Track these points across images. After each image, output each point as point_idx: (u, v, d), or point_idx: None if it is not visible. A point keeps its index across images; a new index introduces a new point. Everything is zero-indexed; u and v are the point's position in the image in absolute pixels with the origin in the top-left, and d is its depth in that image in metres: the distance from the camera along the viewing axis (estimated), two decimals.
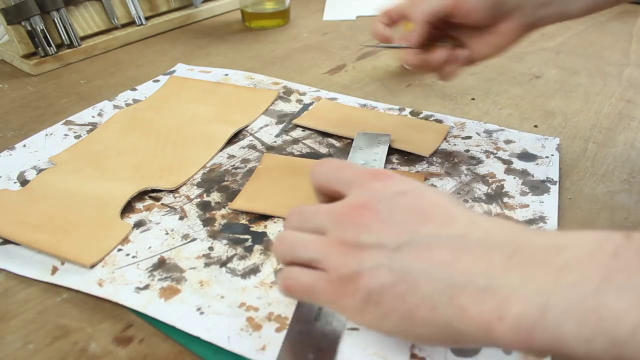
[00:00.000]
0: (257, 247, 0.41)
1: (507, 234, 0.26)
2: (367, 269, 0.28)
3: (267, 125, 0.58)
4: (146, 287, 0.37)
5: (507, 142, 0.53)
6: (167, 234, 0.43)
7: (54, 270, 0.39)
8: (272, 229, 0.43)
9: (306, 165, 0.50)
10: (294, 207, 0.34)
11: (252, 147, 0.54)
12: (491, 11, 0.43)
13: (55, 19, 0.73)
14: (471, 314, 0.24)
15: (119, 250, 0.41)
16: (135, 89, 0.66)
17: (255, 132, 0.56)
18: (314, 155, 0.52)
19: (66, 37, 0.74)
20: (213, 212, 0.45)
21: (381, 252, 0.28)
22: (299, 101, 0.62)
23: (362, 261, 0.28)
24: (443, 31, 0.48)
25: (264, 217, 0.44)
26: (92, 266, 0.39)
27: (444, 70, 0.48)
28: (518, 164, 0.50)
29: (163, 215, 0.45)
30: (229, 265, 0.39)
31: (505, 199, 0.45)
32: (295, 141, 0.55)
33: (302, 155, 0.52)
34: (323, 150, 0.53)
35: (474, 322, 0.24)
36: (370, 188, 0.31)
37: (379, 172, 0.32)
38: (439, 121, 0.57)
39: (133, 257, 0.40)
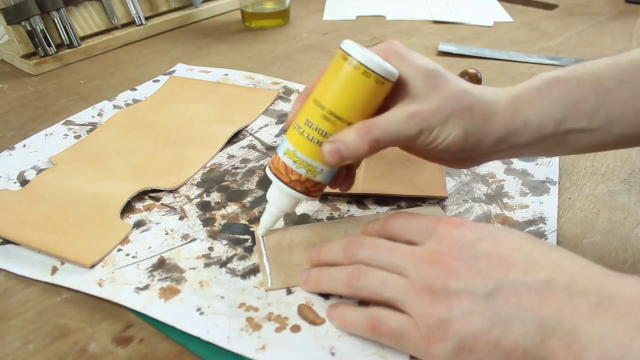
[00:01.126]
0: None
1: (594, 280, 0.27)
2: (458, 316, 0.28)
3: (267, 125, 0.58)
4: (146, 287, 0.37)
5: None
6: (167, 234, 0.43)
7: (54, 270, 0.39)
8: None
9: None
10: (354, 236, 0.35)
11: (252, 147, 0.54)
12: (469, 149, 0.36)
13: (55, 19, 0.73)
14: (560, 357, 0.26)
15: (119, 250, 0.41)
16: (135, 89, 0.66)
17: (255, 132, 0.56)
18: None
19: (66, 37, 0.74)
20: (213, 212, 0.45)
21: (471, 298, 0.28)
22: None
23: (451, 308, 0.28)
24: None
25: None
26: (92, 266, 0.39)
27: None
28: (518, 164, 0.50)
29: (163, 215, 0.45)
30: (228, 265, 0.39)
31: (505, 200, 0.45)
32: None
33: None
34: None
35: None
36: (449, 236, 0.31)
37: (453, 220, 0.32)
38: None
39: (133, 257, 0.40)
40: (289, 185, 0.37)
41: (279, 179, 0.37)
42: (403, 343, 0.30)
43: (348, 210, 0.45)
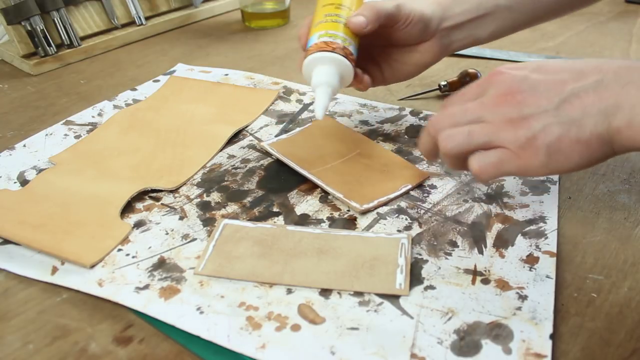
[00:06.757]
0: None
1: (634, 72, 0.33)
2: (540, 130, 0.34)
3: (267, 125, 0.58)
4: (146, 287, 0.37)
5: None
6: (167, 234, 0.43)
7: (54, 270, 0.39)
8: None
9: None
10: (435, 115, 0.40)
11: (252, 147, 0.54)
12: (423, 27, 0.48)
13: (55, 19, 0.73)
14: (625, 132, 0.32)
15: (119, 250, 0.41)
16: (135, 89, 0.66)
17: (255, 132, 0.56)
18: None
19: (66, 37, 0.74)
20: (213, 212, 0.45)
21: (544, 115, 0.34)
22: (299, 101, 0.62)
23: (532, 127, 0.34)
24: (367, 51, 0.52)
25: (264, 217, 0.44)
26: (92, 266, 0.39)
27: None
28: None
29: (163, 215, 0.45)
30: None
31: (505, 199, 0.45)
32: None
33: None
34: None
35: (628, 137, 0.32)
36: (502, 81, 0.37)
37: (497, 70, 0.38)
38: None
39: (133, 257, 0.40)
40: (334, 52, 0.45)
41: (324, 51, 0.45)
42: (505, 167, 0.36)
43: (348, 210, 0.45)
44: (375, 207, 0.45)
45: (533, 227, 0.42)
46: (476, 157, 0.37)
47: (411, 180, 0.47)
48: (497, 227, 0.42)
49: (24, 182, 0.49)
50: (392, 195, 0.45)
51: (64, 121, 0.59)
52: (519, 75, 0.37)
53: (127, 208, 0.45)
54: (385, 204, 0.45)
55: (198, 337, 0.34)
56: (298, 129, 0.55)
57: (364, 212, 0.44)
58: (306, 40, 0.48)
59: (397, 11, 0.47)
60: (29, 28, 0.71)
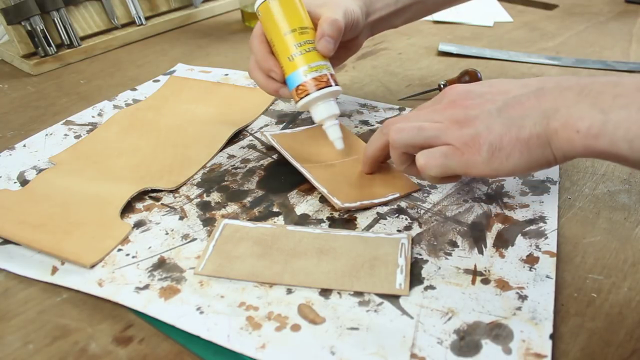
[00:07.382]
0: None
1: (574, 80, 0.36)
2: (483, 129, 0.37)
3: (267, 125, 0.58)
4: (146, 287, 0.37)
5: None
6: (167, 234, 0.43)
7: (54, 270, 0.39)
8: None
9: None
10: (390, 119, 0.44)
11: (252, 147, 0.54)
12: (356, 26, 0.52)
13: (55, 19, 0.73)
14: (561, 132, 0.34)
15: (119, 250, 0.41)
16: (135, 89, 0.66)
17: (255, 132, 0.56)
18: None
19: (66, 37, 0.74)
20: (213, 212, 0.45)
21: (488, 116, 0.37)
22: None
23: (476, 126, 0.37)
24: None
25: (264, 217, 0.44)
26: (92, 266, 0.39)
27: None
28: None
29: (163, 215, 0.45)
30: None
31: (505, 199, 0.45)
32: None
33: None
34: None
35: (563, 138, 0.34)
36: (455, 92, 0.41)
37: (452, 86, 0.42)
38: None
39: (133, 257, 0.40)
40: (327, 86, 0.47)
41: (320, 88, 0.46)
42: (449, 163, 0.38)
43: (348, 211, 0.45)
44: (357, 208, 0.44)
45: (533, 227, 0.42)
46: (423, 152, 0.39)
47: (400, 189, 0.46)
48: (497, 227, 0.42)
49: (24, 182, 0.49)
50: (376, 201, 0.45)
51: (64, 121, 0.59)
52: (468, 87, 0.41)
53: (127, 208, 0.45)
54: (368, 208, 0.45)
55: (198, 337, 0.34)
56: (305, 127, 0.55)
57: (345, 211, 0.44)
58: (282, 74, 0.48)
59: (347, 20, 0.49)
60: (29, 28, 0.71)
